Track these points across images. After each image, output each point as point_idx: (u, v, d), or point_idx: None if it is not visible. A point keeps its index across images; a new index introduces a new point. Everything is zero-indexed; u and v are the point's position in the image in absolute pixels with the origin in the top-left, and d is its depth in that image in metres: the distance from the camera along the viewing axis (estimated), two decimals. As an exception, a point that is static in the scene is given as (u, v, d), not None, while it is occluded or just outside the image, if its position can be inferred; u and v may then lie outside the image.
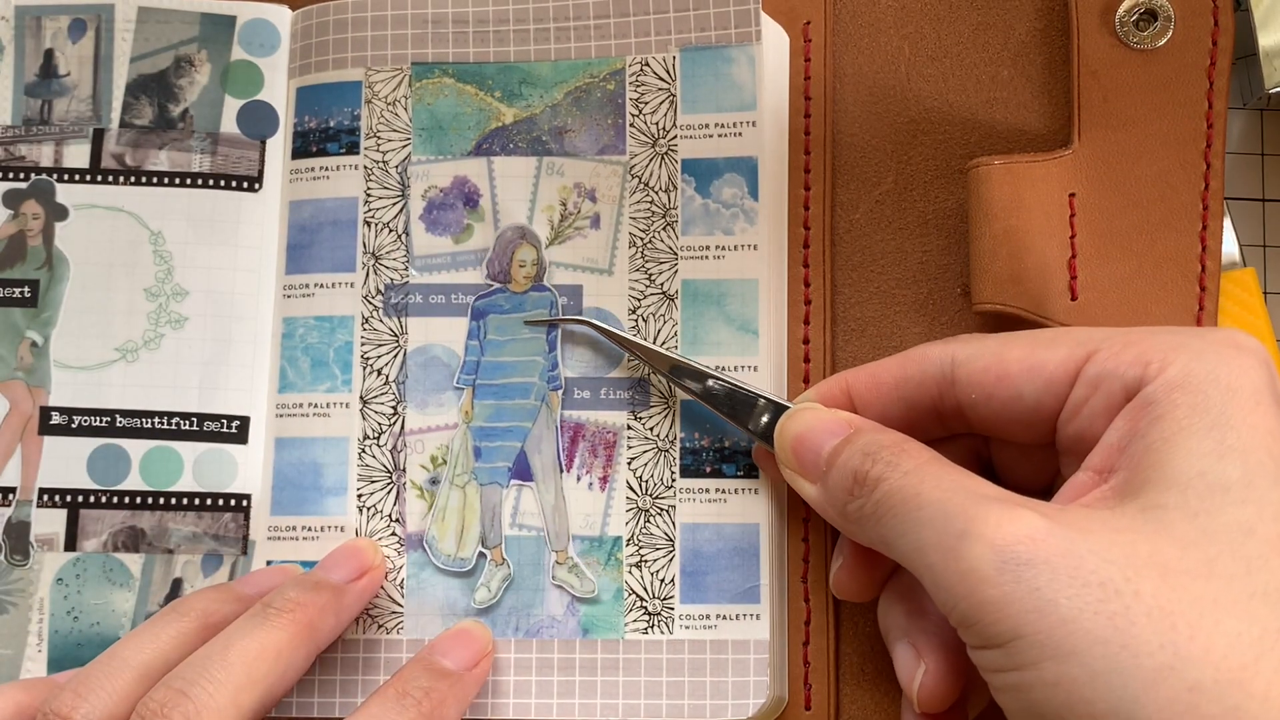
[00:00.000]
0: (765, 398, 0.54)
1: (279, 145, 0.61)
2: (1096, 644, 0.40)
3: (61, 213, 0.60)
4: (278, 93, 0.61)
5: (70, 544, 0.58)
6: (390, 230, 0.59)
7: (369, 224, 0.60)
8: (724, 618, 0.56)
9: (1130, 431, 0.44)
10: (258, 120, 0.61)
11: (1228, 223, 0.60)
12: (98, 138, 0.61)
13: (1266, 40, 0.59)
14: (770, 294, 0.57)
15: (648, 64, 0.59)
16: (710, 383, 0.55)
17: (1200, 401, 0.44)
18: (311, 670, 0.57)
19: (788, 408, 0.53)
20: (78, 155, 0.61)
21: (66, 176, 0.60)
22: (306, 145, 0.61)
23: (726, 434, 0.57)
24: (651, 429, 0.57)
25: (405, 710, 0.50)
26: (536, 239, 0.59)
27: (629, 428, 0.57)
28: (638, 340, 0.57)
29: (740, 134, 0.58)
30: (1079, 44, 0.57)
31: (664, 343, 0.57)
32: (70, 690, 0.50)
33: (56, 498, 0.59)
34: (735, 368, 0.57)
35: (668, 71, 0.59)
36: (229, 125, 0.61)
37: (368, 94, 0.60)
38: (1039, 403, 0.48)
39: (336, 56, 0.61)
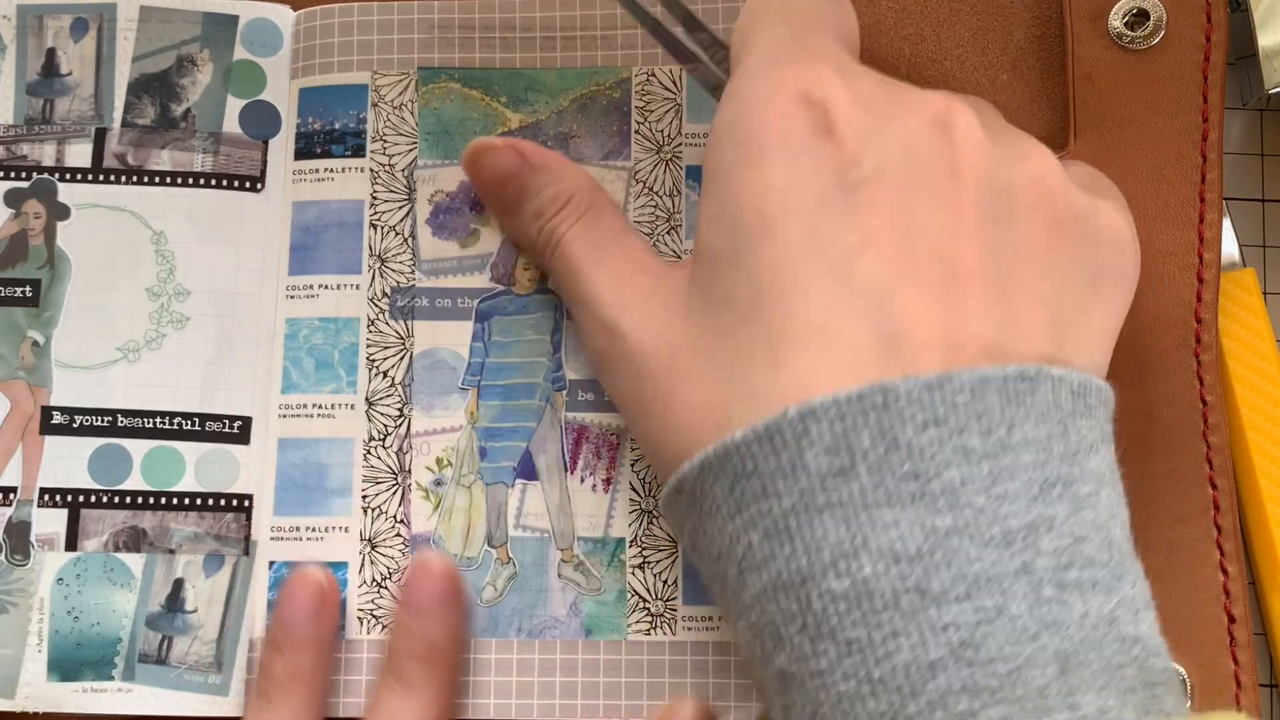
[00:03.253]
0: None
1: (281, 146, 0.61)
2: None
3: (63, 212, 0.60)
4: (280, 93, 0.61)
5: (71, 544, 0.58)
6: (396, 234, 0.59)
7: (375, 227, 0.60)
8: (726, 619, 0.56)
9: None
10: (260, 120, 0.61)
11: (1227, 223, 0.60)
12: (100, 137, 0.61)
13: (1266, 40, 0.59)
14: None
15: (654, 75, 0.59)
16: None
17: (714, 167, 0.46)
18: (315, 670, 0.57)
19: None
20: (80, 154, 0.60)
21: (68, 176, 0.60)
22: (310, 146, 0.61)
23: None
24: (655, 431, 0.57)
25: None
26: (541, 242, 0.59)
27: None
28: None
29: None
30: (1074, 48, 0.57)
31: None
32: None
33: (57, 497, 0.59)
34: (739, 370, 0.57)
35: (674, 82, 0.59)
36: (231, 125, 0.61)
37: (374, 97, 0.60)
38: None
39: (341, 59, 0.61)
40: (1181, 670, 0.53)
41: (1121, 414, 0.53)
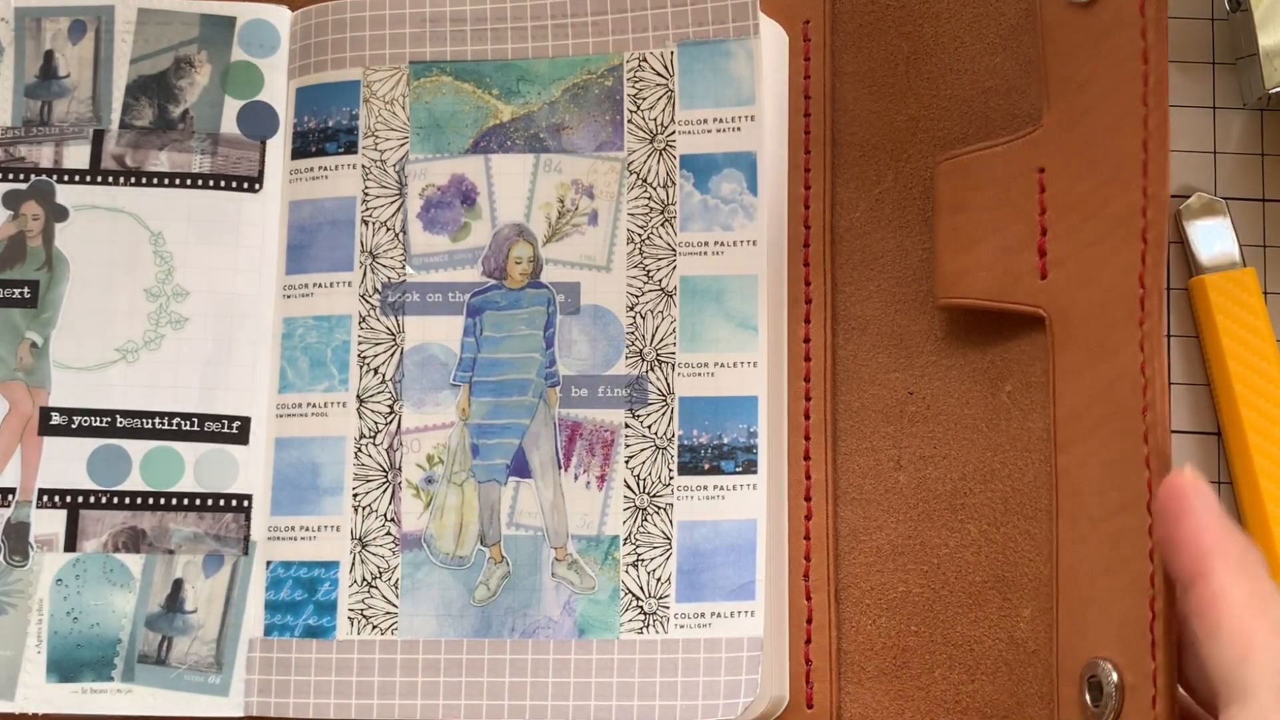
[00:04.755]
0: None
1: (279, 146, 0.61)
2: None
3: (61, 213, 0.60)
4: (278, 93, 0.62)
5: (70, 544, 0.58)
6: (388, 229, 0.59)
7: (367, 223, 0.60)
8: (718, 615, 0.55)
9: None
10: (258, 121, 0.61)
11: (1228, 222, 0.60)
12: (98, 139, 0.61)
13: (1266, 40, 0.59)
14: (770, 289, 0.57)
15: (645, 60, 0.59)
16: None
17: None
18: (307, 671, 0.57)
19: None
20: (78, 156, 0.61)
21: (66, 177, 0.61)
22: (306, 145, 0.61)
23: (725, 430, 0.57)
24: (649, 427, 0.57)
25: None
26: (533, 236, 0.59)
27: (627, 426, 0.57)
28: None
29: (739, 129, 0.58)
30: (1041, 14, 0.56)
31: (662, 340, 0.58)
32: None
33: (56, 498, 0.59)
34: (734, 364, 0.57)
35: (666, 67, 0.59)
36: (229, 126, 0.61)
37: (366, 93, 0.60)
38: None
39: (335, 56, 0.61)
40: (1114, 674, 0.50)
41: (1088, 395, 0.52)
